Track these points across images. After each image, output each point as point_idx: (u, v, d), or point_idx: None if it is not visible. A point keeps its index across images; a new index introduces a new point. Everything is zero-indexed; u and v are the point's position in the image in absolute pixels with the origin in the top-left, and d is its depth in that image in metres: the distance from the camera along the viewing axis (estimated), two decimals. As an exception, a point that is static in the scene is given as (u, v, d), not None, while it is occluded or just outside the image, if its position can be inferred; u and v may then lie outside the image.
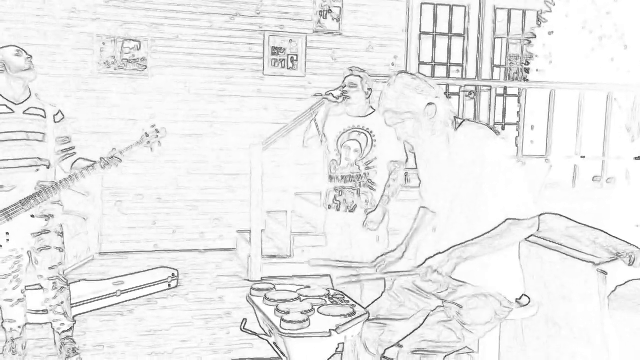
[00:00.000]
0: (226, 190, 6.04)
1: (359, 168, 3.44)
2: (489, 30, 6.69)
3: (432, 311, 2.34)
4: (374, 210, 3.44)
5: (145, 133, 3.26)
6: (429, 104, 2.31)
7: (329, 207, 3.54)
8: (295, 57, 6.11)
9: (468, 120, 2.42)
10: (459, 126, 2.36)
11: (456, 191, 2.33)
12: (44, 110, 3.16)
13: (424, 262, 2.28)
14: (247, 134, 5.96)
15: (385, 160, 3.46)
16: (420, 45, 6.56)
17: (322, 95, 3.48)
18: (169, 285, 4.63)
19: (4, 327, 3.29)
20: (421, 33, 6.56)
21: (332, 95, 3.43)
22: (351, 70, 3.56)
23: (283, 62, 6.08)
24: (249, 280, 4.91)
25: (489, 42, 6.70)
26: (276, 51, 6.06)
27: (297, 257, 5.01)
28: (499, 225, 2.24)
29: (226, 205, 6.05)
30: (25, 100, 3.12)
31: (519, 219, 2.23)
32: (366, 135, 3.42)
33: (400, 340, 2.30)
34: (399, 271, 2.47)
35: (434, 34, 6.65)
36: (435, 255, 2.27)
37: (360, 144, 3.42)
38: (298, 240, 5.04)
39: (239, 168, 5.93)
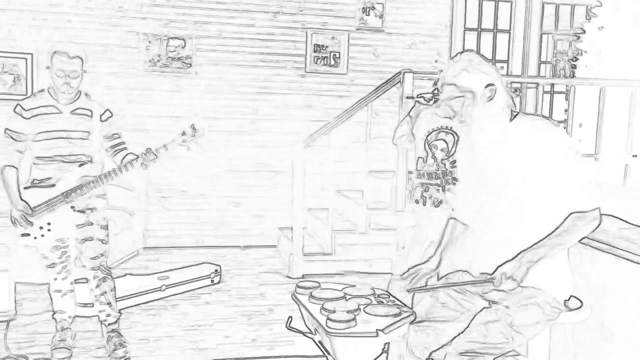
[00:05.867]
0: (268, 187, 6.07)
1: (445, 166, 3.56)
2: (535, 25, 6.53)
3: (479, 312, 2.29)
4: None
5: (183, 131, 3.33)
6: (490, 84, 2.25)
7: (416, 201, 3.68)
8: (337, 55, 6.10)
9: (523, 112, 2.36)
10: (514, 118, 2.30)
11: (504, 186, 2.25)
12: (91, 111, 3.27)
13: (494, 271, 2.21)
14: (289, 131, 5.98)
15: None
16: (465, 41, 6.45)
17: (414, 98, 3.73)
18: (212, 280, 4.68)
19: (54, 318, 3.39)
20: (465, 29, 6.44)
21: (424, 98, 3.65)
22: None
23: (325, 60, 6.07)
24: (290, 278, 4.93)
25: (535, 38, 6.54)
26: (318, 48, 6.05)
27: (338, 255, 4.99)
28: (563, 221, 2.17)
29: (268, 202, 6.08)
30: (74, 100, 3.23)
31: (583, 212, 2.16)
32: (453, 136, 3.54)
33: (447, 343, 2.26)
34: (464, 282, 2.37)
35: (479, 29, 6.53)
36: (504, 263, 2.20)
37: (447, 143, 3.54)
38: (339, 237, 5.02)
39: (280, 165, 5.94)
